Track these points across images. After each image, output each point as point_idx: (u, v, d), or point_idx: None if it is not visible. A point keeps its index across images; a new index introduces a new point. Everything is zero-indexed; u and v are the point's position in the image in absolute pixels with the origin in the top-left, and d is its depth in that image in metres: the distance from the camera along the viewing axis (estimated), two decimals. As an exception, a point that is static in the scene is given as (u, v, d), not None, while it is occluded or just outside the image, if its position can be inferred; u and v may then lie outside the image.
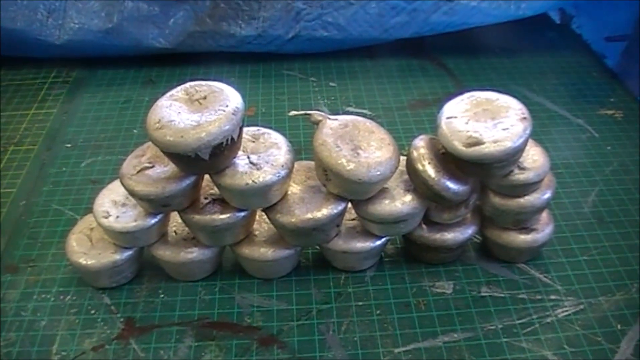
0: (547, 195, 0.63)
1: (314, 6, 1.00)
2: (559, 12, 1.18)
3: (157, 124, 0.55)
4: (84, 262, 0.63)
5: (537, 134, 0.83)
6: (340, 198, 0.61)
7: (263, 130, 0.63)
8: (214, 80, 0.60)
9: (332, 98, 0.97)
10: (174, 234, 0.66)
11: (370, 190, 0.60)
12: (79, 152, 0.87)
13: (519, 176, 0.60)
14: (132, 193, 0.60)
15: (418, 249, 0.67)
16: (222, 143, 0.55)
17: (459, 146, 0.56)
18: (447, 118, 0.58)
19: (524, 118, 0.57)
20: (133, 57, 1.05)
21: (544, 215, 0.67)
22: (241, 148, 0.60)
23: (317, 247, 0.69)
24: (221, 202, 0.62)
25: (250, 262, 0.65)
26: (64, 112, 0.95)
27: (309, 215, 0.60)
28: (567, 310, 0.63)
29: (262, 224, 0.66)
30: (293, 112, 0.63)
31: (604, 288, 0.65)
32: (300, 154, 0.82)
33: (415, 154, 0.59)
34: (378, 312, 0.64)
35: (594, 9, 1.12)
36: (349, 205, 0.63)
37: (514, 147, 0.55)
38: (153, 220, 0.62)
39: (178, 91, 0.59)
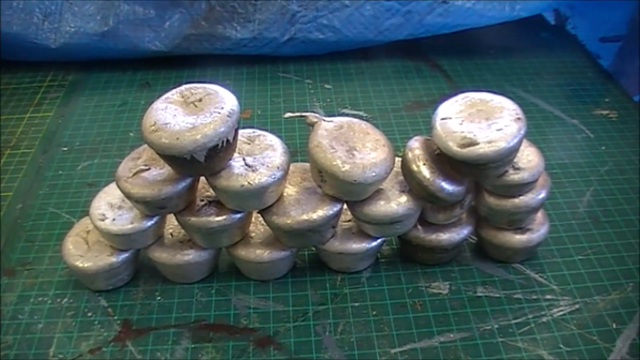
0: (542, 195, 0.63)
1: (309, 8, 1.00)
2: (554, 13, 1.18)
3: (153, 127, 0.55)
4: (81, 265, 0.63)
5: (533, 135, 0.84)
6: (335, 199, 0.61)
7: (258, 132, 0.63)
8: (210, 82, 0.60)
9: (328, 100, 0.97)
10: (170, 236, 0.66)
11: (366, 191, 0.60)
12: (75, 155, 0.87)
13: (514, 176, 0.60)
14: (128, 195, 0.60)
15: (414, 250, 0.67)
16: (217, 145, 0.55)
17: (453, 147, 0.56)
18: (442, 119, 0.58)
19: (518, 118, 0.57)
20: (129, 60, 1.05)
21: (539, 215, 0.67)
22: (237, 150, 0.60)
23: (313, 249, 0.69)
24: (217, 204, 0.62)
25: (246, 264, 0.66)
26: (60, 116, 0.95)
27: (305, 217, 0.60)
28: (562, 310, 0.63)
29: (257, 226, 0.66)
30: (288, 114, 0.63)
31: (599, 287, 0.66)
32: (296, 156, 0.82)
33: (410, 155, 0.59)
34: (374, 312, 0.64)
35: (589, 9, 1.12)
36: (345, 206, 0.63)
37: (508, 147, 0.55)
38: (149, 223, 0.62)
39: (173, 94, 0.59)
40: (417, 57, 1.08)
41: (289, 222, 0.60)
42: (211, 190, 0.62)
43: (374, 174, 0.57)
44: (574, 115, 0.92)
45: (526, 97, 0.96)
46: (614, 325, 0.62)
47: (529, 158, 0.62)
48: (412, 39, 1.03)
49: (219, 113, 0.55)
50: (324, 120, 0.60)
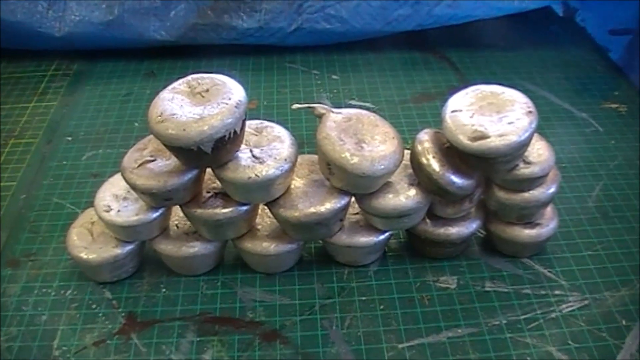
0: (552, 189, 0.62)
1: (317, -2, 1.00)
2: (563, 5, 1.17)
3: (159, 117, 0.54)
4: (85, 257, 0.63)
5: (541, 128, 0.83)
6: (343, 192, 0.60)
7: (266, 123, 0.62)
8: (216, 73, 0.59)
9: (335, 91, 0.97)
10: (175, 228, 0.65)
11: (374, 184, 0.59)
12: (79, 146, 0.86)
13: (524, 170, 0.60)
14: (133, 187, 0.59)
15: (422, 244, 0.67)
16: (224, 136, 0.54)
17: (464, 140, 0.55)
18: (452, 112, 0.58)
19: (530, 112, 0.56)
20: (134, 49, 1.05)
21: (549, 209, 0.67)
22: (244, 141, 0.59)
23: (320, 242, 0.68)
24: (223, 196, 0.61)
25: (252, 257, 0.65)
26: (65, 105, 0.95)
27: (312, 210, 0.59)
28: (571, 306, 0.63)
29: (264, 218, 0.66)
30: (296, 105, 0.62)
31: (608, 283, 0.65)
32: (303, 148, 0.81)
33: (419, 147, 0.58)
34: (382, 307, 0.63)
35: (598, 2, 1.11)
36: (353, 199, 0.62)
37: (519, 141, 0.55)
38: (155, 214, 0.62)
39: (180, 84, 0.58)
40: (425, 49, 1.07)
41: (296, 215, 0.59)
42: (218, 182, 0.61)
43: (382, 166, 0.56)
44: (583, 108, 0.92)
45: (535, 90, 0.95)
46: (624, 322, 0.61)
47: (539, 152, 0.61)
48: (420, 30, 1.03)
49: (227, 104, 0.55)
50: (333, 112, 0.60)
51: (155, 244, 0.64)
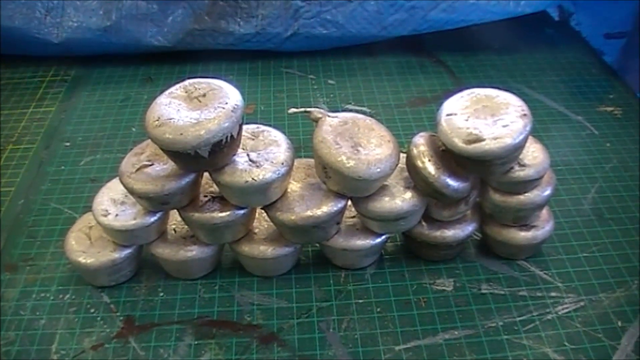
0: (547, 192, 0.63)
1: (313, 4, 1.00)
2: (558, 9, 1.18)
3: (156, 122, 0.55)
4: (83, 261, 0.63)
5: (537, 131, 0.83)
6: (340, 195, 0.60)
7: (262, 127, 0.62)
8: (213, 78, 0.60)
9: (331, 95, 0.97)
10: (173, 232, 0.66)
11: (370, 187, 0.59)
12: (77, 151, 0.86)
13: (519, 173, 0.60)
14: (131, 191, 0.60)
15: (418, 246, 0.67)
16: (221, 140, 0.55)
17: (459, 143, 0.56)
18: (447, 115, 0.58)
19: (524, 115, 0.57)
20: (131, 55, 1.05)
21: (544, 212, 0.67)
22: (241, 145, 0.59)
23: (317, 245, 0.69)
24: (221, 200, 0.61)
25: (249, 260, 0.65)
26: (63, 111, 0.95)
27: (309, 213, 0.60)
28: (567, 307, 0.63)
29: (261, 222, 0.66)
30: (293, 110, 0.62)
31: (604, 285, 0.65)
32: (300, 152, 0.81)
33: (415, 151, 0.59)
34: (378, 309, 0.63)
35: (593, 5, 1.12)
36: (349, 202, 0.63)
37: (514, 143, 0.55)
38: (152, 219, 0.62)
39: (177, 89, 0.58)
40: (421, 53, 1.07)
41: (293, 218, 0.60)
42: (215, 186, 0.61)
43: (378, 170, 0.57)
44: (579, 111, 0.92)
45: (530, 94, 0.96)
46: (619, 323, 0.61)
47: (534, 155, 0.61)
48: (416, 35, 1.03)
49: (223, 108, 0.55)
50: (329, 116, 0.60)
51: (152, 248, 0.65)
